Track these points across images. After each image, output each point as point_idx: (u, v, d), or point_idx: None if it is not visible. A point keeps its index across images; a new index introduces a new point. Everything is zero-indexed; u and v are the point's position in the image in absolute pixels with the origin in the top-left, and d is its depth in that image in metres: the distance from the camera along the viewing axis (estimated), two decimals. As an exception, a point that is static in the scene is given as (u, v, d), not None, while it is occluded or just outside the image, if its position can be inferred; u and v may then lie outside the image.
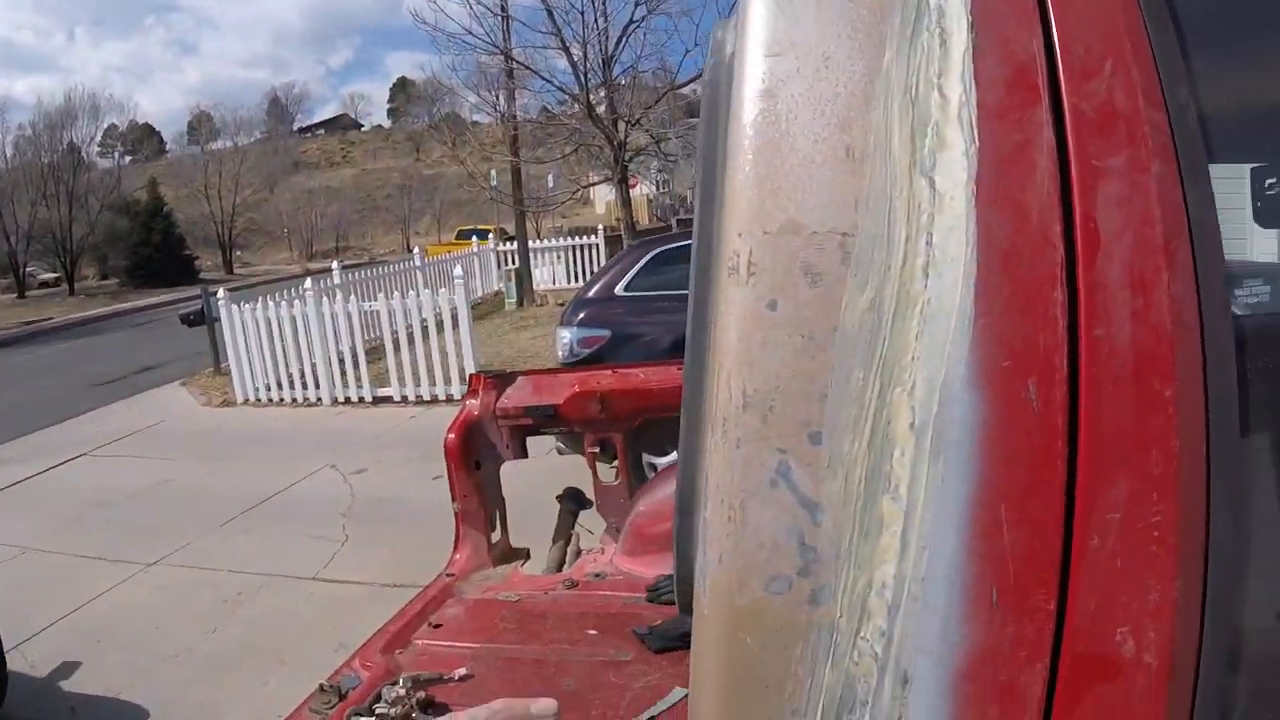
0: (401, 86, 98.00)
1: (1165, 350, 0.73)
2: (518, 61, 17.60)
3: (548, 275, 22.64)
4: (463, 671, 2.56)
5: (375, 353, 12.51)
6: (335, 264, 16.79)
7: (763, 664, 0.74)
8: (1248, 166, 1.61)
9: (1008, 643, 0.70)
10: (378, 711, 2.29)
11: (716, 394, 0.75)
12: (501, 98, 18.78)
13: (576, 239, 23.08)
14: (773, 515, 0.73)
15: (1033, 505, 0.70)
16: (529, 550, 3.65)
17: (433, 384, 11.49)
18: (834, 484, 0.72)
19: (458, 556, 3.44)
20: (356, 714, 2.26)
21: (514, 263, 21.32)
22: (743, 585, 0.73)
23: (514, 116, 18.58)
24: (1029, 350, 0.71)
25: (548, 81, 17.74)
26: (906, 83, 0.75)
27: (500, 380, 3.55)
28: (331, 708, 2.29)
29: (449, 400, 11.27)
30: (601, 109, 16.77)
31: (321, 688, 2.42)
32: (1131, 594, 0.72)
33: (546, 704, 0.77)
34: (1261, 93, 1.10)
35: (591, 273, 21.51)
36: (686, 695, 2.43)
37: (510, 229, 24.36)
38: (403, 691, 2.39)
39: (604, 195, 37.90)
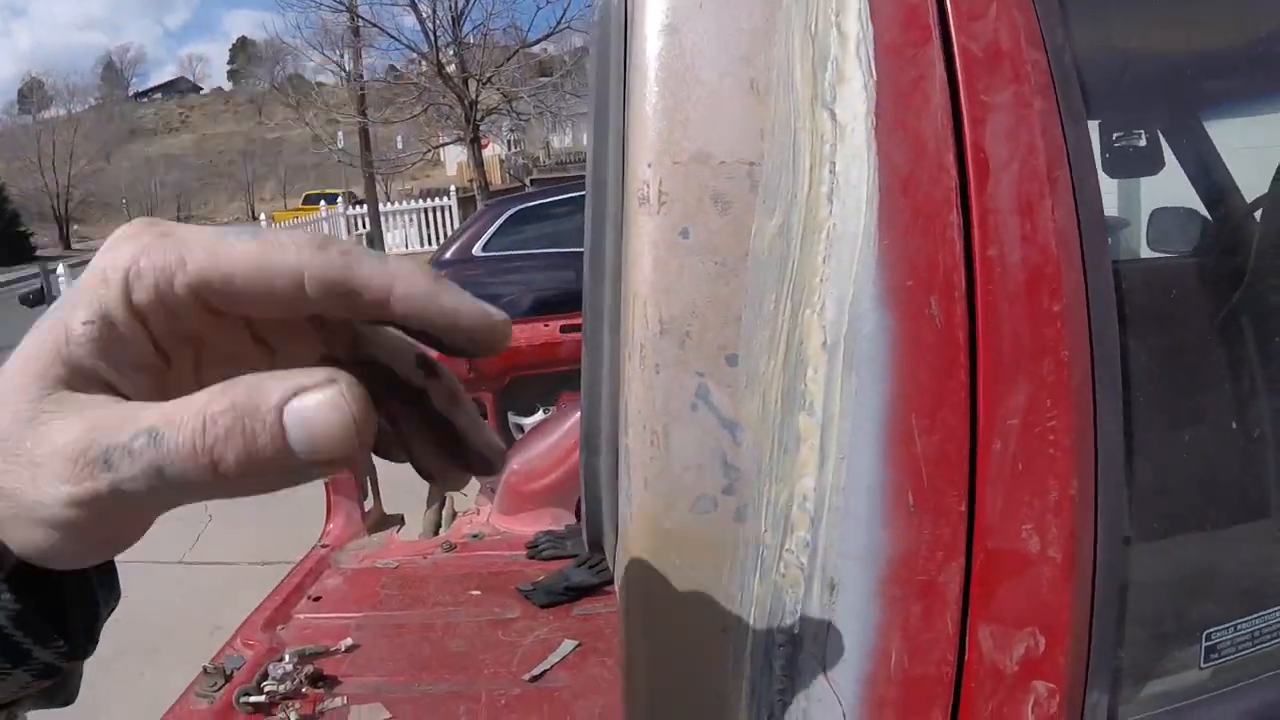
0: (242, 47, 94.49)
1: (1052, 269, 0.77)
2: (364, 19, 17.23)
3: (400, 239, 22.15)
4: (349, 642, 2.55)
5: None
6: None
7: (692, 583, 0.75)
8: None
9: (925, 544, 0.73)
10: (266, 689, 2.24)
11: (632, 322, 0.76)
12: (347, 57, 18.35)
13: (428, 201, 22.63)
14: (695, 437, 0.74)
15: (941, 413, 0.74)
16: (403, 516, 3.62)
17: (288, 359, 11.23)
18: (752, 403, 0.74)
19: (331, 527, 3.39)
20: (245, 694, 2.21)
21: (365, 227, 20.86)
22: (669, 508, 0.75)
23: (360, 76, 18.20)
24: (930, 270, 0.74)
25: (395, 39, 17.42)
26: (806, 20, 0.77)
27: None
28: (218, 690, 2.24)
29: (306, 370, 11.04)
30: (451, 68, 16.49)
31: (205, 670, 2.36)
32: (1033, 493, 0.76)
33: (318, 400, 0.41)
34: (1125, 43, 1.16)
35: (445, 235, 21.27)
36: (577, 646, 2.48)
37: (359, 192, 23.86)
38: (289, 667, 2.36)
39: (455, 156, 37.29)
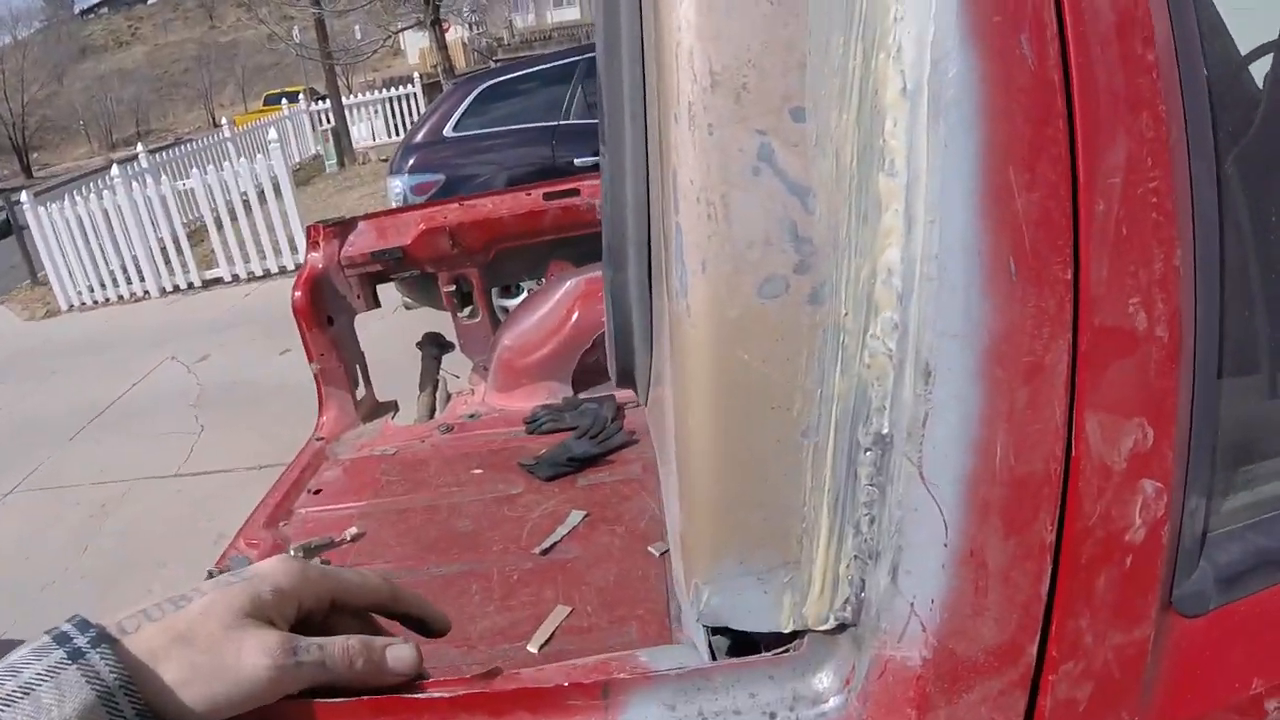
0: None
1: (1143, 14, 0.67)
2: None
3: (366, 131, 21.77)
4: (354, 531, 2.48)
5: (198, 235, 11.97)
6: (140, 148, 15.70)
7: (765, 381, 0.65)
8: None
9: (1031, 318, 0.63)
10: None
11: (677, 77, 0.64)
12: (297, -54, 17.84)
13: (393, 90, 22.17)
14: (760, 206, 0.63)
15: (1040, 167, 0.63)
16: (397, 402, 3.51)
17: (263, 258, 11.04)
18: (824, 164, 0.63)
19: (324, 419, 3.29)
20: None
21: (330, 122, 20.45)
22: (733, 293, 0.64)
23: (312, -34, 17.67)
24: (1019, 4, 0.63)
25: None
26: None
27: (341, 228, 3.34)
28: (226, 592, 2.18)
29: (283, 272, 10.92)
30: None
31: (210, 574, 2.29)
32: (1139, 263, 0.66)
33: (403, 652, 0.73)
34: None
35: (413, 123, 20.96)
36: (586, 517, 2.42)
37: (321, 88, 23.31)
38: None
39: (416, 43, 36.51)
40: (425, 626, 0.83)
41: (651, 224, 0.85)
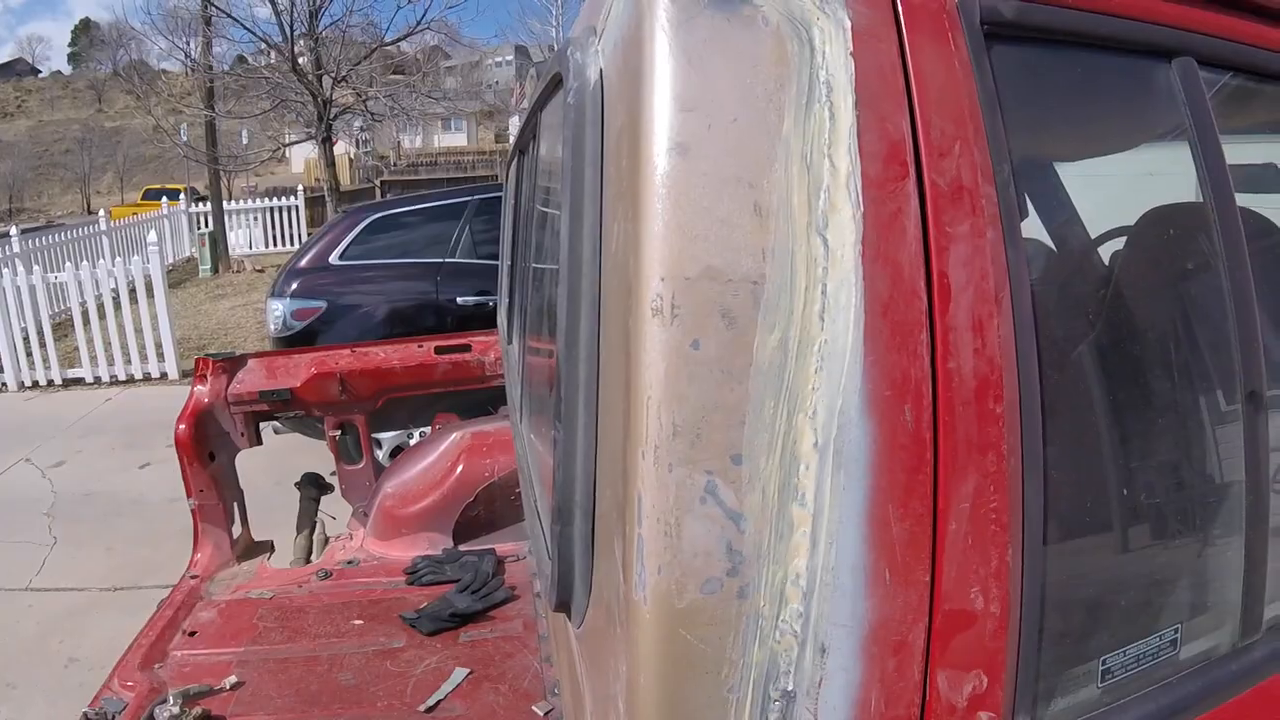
0: (84, 29, 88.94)
1: (997, 377, 0.94)
2: (216, 6, 16.72)
3: (244, 239, 21.45)
4: (233, 679, 2.53)
5: (63, 329, 11.52)
6: (14, 229, 15.18)
7: (701, 654, 0.89)
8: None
9: (899, 610, 0.89)
10: None
11: (646, 423, 0.88)
12: (195, 45, 17.80)
13: (275, 200, 22.02)
14: (704, 528, 0.88)
15: (911, 503, 0.89)
16: (273, 543, 3.57)
17: (128, 362, 10.72)
18: (754, 497, 0.88)
19: (199, 556, 3.32)
20: None
21: (208, 225, 20.20)
22: (681, 590, 0.88)
23: (209, 67, 17.63)
24: (904, 381, 0.90)
25: (249, 30, 16.95)
26: (803, 150, 0.90)
27: (230, 364, 3.44)
28: (101, 737, 2.23)
29: (147, 379, 10.61)
30: (304, 62, 16.18)
31: (86, 716, 2.33)
32: (979, 562, 0.93)
33: None
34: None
35: (292, 236, 20.75)
36: (470, 674, 2.55)
37: (201, 187, 23.07)
38: (175, 709, 2.33)
39: (302, 153, 36.34)
40: None
41: (597, 499, 1.07)
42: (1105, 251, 1.63)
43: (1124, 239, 1.62)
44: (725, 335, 0.88)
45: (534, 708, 2.38)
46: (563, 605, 1.19)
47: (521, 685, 2.48)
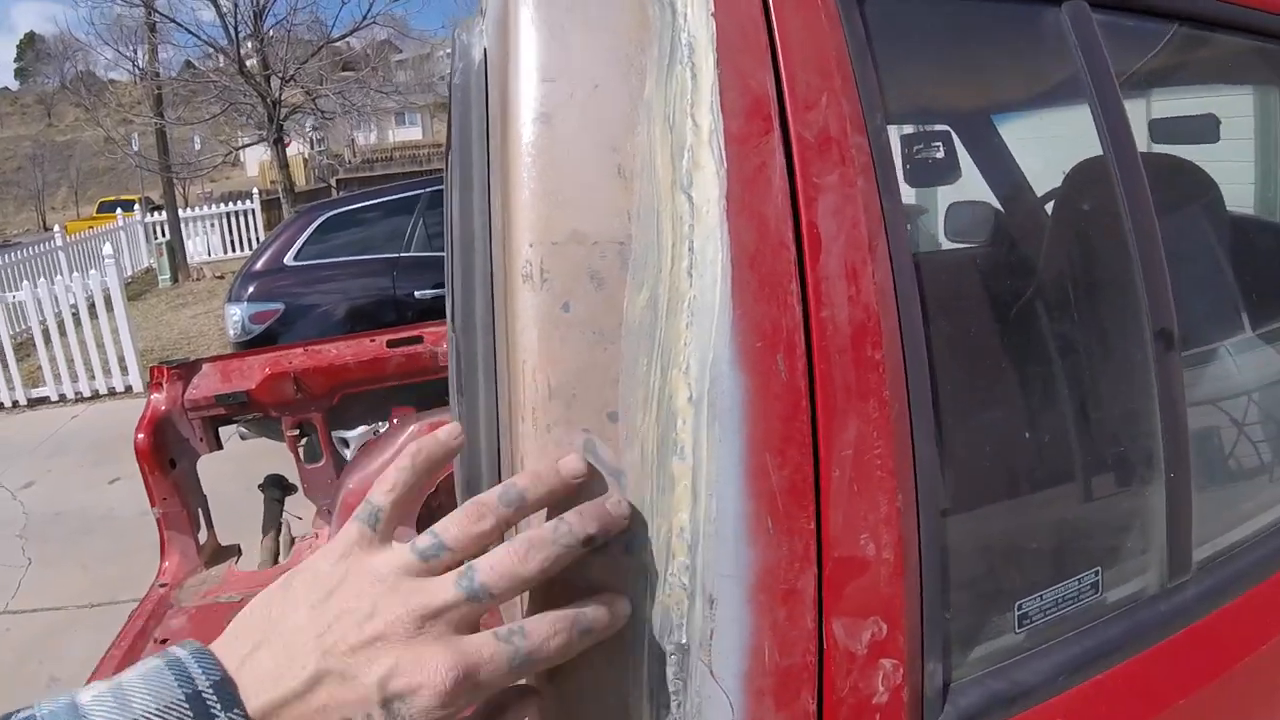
0: (30, 42, 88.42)
1: (874, 323, 0.97)
2: (160, 13, 16.66)
3: (202, 246, 21.60)
4: None
5: (24, 348, 11.56)
6: None
7: None
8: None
9: (785, 558, 0.92)
10: None
11: (523, 387, 0.91)
12: (141, 53, 17.73)
13: (231, 205, 22.03)
14: (585, 486, 0.89)
15: (789, 451, 0.92)
16: (240, 546, 3.59)
17: (92, 378, 10.79)
18: (632, 453, 0.90)
19: (167, 564, 3.33)
20: None
21: (164, 235, 20.14)
22: (566, 548, 0.90)
23: (156, 74, 17.56)
24: (775, 332, 0.92)
25: (194, 35, 16.93)
26: (665, 111, 0.93)
27: (185, 370, 3.46)
28: (78, 749, 2.24)
29: (112, 394, 10.68)
30: (252, 64, 16.12)
31: None
32: (867, 509, 0.96)
33: (451, 428, 0.89)
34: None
35: (250, 241, 20.71)
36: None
37: (156, 196, 23.00)
38: None
39: (256, 156, 36.24)
40: None
41: (501, 466, 1.10)
42: (1000, 196, 1.66)
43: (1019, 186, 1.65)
44: (595, 297, 0.91)
45: (498, 689, 2.39)
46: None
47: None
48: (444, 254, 1.98)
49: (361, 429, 4.82)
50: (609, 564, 0.90)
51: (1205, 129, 2.26)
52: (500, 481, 1.03)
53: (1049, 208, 1.85)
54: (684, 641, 0.92)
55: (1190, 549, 1.37)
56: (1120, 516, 1.42)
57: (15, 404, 10.99)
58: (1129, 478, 1.41)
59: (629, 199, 0.92)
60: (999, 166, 2.24)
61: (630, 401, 0.91)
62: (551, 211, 0.92)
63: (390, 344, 3.59)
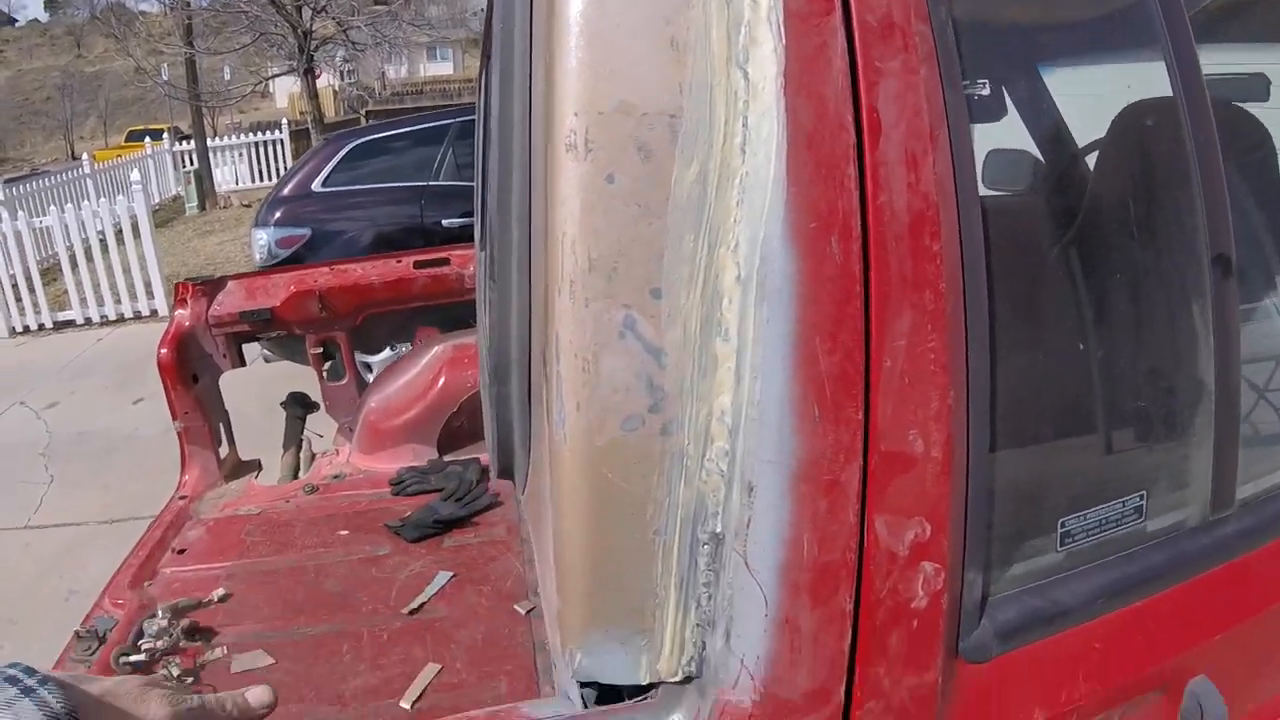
0: None
1: (932, 213, 0.93)
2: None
3: (230, 175, 21.32)
4: (221, 592, 2.55)
5: (51, 273, 11.59)
6: None
7: (624, 493, 0.90)
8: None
9: (830, 448, 0.88)
10: (144, 647, 2.24)
11: (561, 260, 0.87)
12: (173, -17, 17.64)
13: (259, 135, 21.86)
14: (623, 363, 0.88)
15: (840, 336, 0.88)
16: (260, 461, 3.58)
17: (118, 302, 10.78)
18: (674, 332, 0.87)
19: (187, 478, 3.33)
20: (124, 654, 2.19)
21: (193, 163, 20.08)
22: (601, 427, 0.88)
23: (186, 4, 17.45)
24: (830, 214, 0.88)
25: (226, -35, 16.78)
26: (722, -17, 0.88)
27: (210, 286, 3.43)
28: (94, 653, 2.24)
29: (138, 317, 10.70)
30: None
31: (78, 634, 2.34)
32: (917, 403, 0.92)
33: (260, 692, 0.93)
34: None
35: (278, 171, 20.59)
36: (453, 577, 2.57)
37: (185, 127, 22.93)
38: (164, 622, 2.35)
39: (285, 88, 35.87)
40: None
41: (532, 352, 1.07)
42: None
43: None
44: (642, 169, 0.87)
45: (516, 606, 2.39)
46: (505, 470, 1.19)
47: (504, 586, 2.50)
48: (473, 183, 1.95)
49: (385, 353, 4.81)
50: (643, 447, 0.88)
51: (1255, 88, 2.20)
52: (530, 367, 1.00)
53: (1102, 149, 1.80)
54: (719, 530, 0.89)
55: (1235, 485, 1.33)
56: (1168, 443, 1.38)
57: (41, 327, 10.91)
58: (1180, 405, 1.37)
59: (681, 72, 0.88)
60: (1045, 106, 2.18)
61: (674, 278, 0.87)
62: (598, 82, 0.88)
63: (417, 265, 3.56)
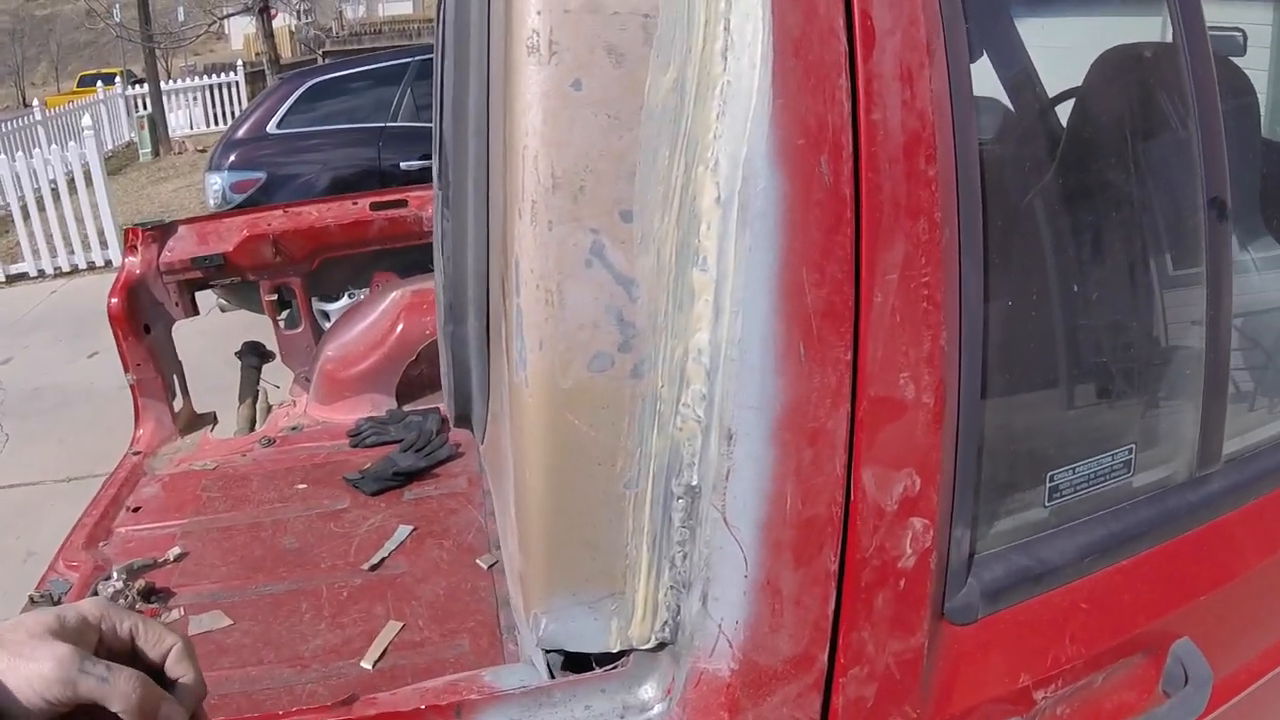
0: None
1: (929, 134, 0.81)
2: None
3: (184, 120, 20.72)
4: (176, 551, 2.46)
5: (2, 225, 11.27)
6: None
7: (592, 442, 0.77)
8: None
9: (816, 392, 0.77)
10: None
11: (522, 177, 0.75)
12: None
13: (214, 77, 21.27)
14: (591, 294, 0.75)
15: (829, 268, 0.77)
16: (215, 414, 3.44)
17: (71, 253, 10.41)
18: (646, 259, 0.75)
19: (141, 432, 3.20)
20: None
21: (146, 108, 19.54)
22: (566, 367, 0.76)
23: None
24: (820, 130, 0.77)
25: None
26: None
27: (160, 232, 3.26)
28: (48, 619, 2.15)
29: (92, 268, 10.33)
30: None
31: (31, 599, 2.25)
32: (909, 344, 0.81)
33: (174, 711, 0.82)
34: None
35: (233, 114, 20.00)
36: (413, 531, 2.48)
37: (139, 70, 22.35)
38: (119, 584, 2.27)
39: (241, 28, 35.04)
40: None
41: (490, 287, 0.95)
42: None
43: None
44: (612, 74, 0.75)
45: (478, 561, 2.32)
46: (462, 419, 1.07)
47: (465, 539, 2.42)
48: (431, 124, 1.84)
49: (343, 301, 4.68)
50: (612, 389, 0.77)
51: (1230, 44, 2.13)
52: (488, 304, 0.89)
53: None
54: (694, 483, 0.78)
55: (1222, 440, 1.23)
56: (1158, 392, 1.28)
57: None
58: (1171, 352, 1.28)
59: None
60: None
61: (647, 199, 0.75)
62: None
63: (373, 207, 3.42)
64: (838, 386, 0.78)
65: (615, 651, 0.84)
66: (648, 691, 0.84)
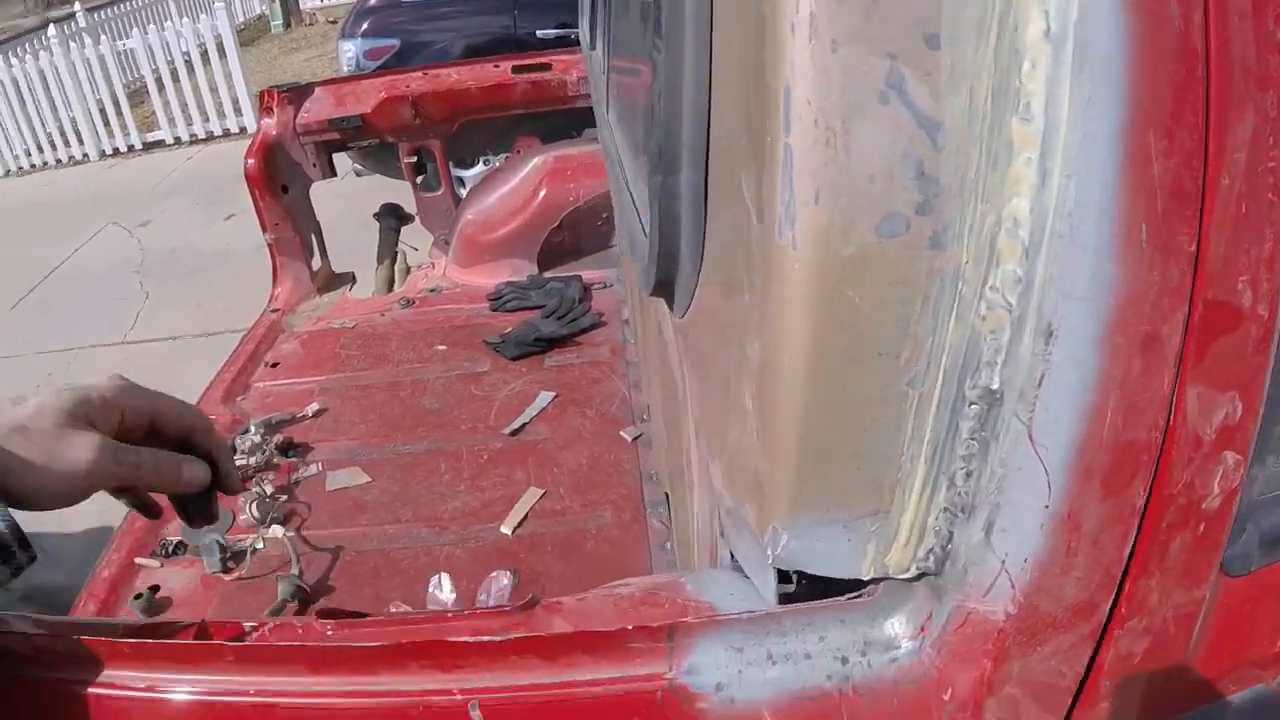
0: None
1: None
2: None
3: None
4: (315, 407, 2.47)
5: (138, 96, 11.40)
6: (78, 6, 14.58)
7: (874, 326, 0.63)
8: None
9: (1155, 287, 0.61)
10: (238, 464, 2.15)
11: None
12: None
13: (344, -53, 21.07)
14: (886, 138, 0.60)
15: (1179, 135, 0.60)
16: (354, 274, 3.46)
17: (206, 120, 10.62)
18: (957, 100, 0.59)
19: (279, 290, 3.23)
20: None
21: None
22: (848, 229, 0.61)
23: None
24: (1172, -40, 0.59)
25: None
26: None
27: (296, 94, 3.26)
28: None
29: (227, 135, 10.55)
30: None
31: None
32: (1252, 240, 0.64)
33: (196, 467, 0.88)
34: None
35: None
36: (555, 398, 2.41)
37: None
38: (257, 438, 2.29)
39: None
40: (220, 480, 0.90)
41: (712, 129, 0.81)
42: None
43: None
44: None
45: (622, 433, 2.24)
46: (663, 285, 0.94)
47: (609, 410, 2.36)
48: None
49: (478, 168, 4.61)
50: (905, 261, 0.62)
51: None
52: (708, 153, 0.75)
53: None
54: (995, 387, 0.63)
55: None
56: None
57: (131, 149, 10.76)
58: None
59: None
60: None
61: (960, 22, 0.59)
62: None
63: (515, 70, 3.29)
64: (1178, 284, 0.61)
65: (866, 579, 0.71)
66: (895, 626, 0.70)
